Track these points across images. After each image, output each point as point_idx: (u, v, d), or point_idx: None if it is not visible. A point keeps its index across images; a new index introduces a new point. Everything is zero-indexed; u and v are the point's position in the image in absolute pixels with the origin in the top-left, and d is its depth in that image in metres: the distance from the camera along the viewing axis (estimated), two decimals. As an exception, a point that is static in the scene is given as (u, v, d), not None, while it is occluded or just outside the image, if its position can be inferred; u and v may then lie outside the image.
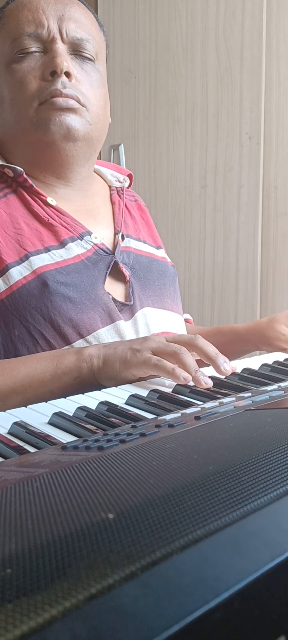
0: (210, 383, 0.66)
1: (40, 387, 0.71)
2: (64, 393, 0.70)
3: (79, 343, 0.80)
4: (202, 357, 0.72)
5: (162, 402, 0.61)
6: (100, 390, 0.68)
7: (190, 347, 0.71)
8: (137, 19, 2.10)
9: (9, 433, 0.52)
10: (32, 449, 0.47)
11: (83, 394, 0.67)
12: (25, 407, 0.60)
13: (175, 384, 0.68)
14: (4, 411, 0.60)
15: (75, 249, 0.86)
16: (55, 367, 0.72)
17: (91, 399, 0.63)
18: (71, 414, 0.56)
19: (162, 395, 0.64)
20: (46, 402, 0.63)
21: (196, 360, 0.72)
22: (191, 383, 0.68)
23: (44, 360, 0.73)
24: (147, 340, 0.72)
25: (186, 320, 1.12)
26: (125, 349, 0.71)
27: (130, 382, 0.71)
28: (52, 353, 0.75)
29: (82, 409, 0.58)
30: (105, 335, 0.81)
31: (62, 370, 0.72)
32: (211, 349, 0.71)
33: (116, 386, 0.71)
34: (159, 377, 0.73)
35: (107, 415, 0.57)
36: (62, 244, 0.85)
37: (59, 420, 0.54)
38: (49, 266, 0.81)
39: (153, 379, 0.74)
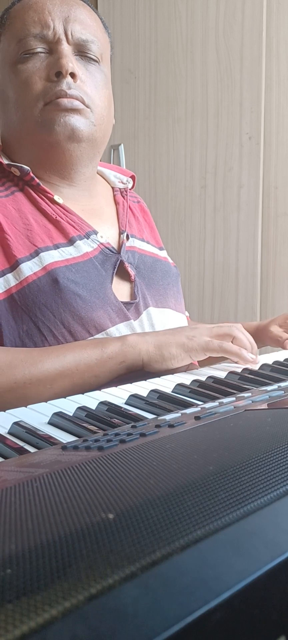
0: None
1: (87, 371, 0.72)
2: (109, 378, 0.73)
3: None
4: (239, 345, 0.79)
5: (162, 402, 0.61)
6: (125, 383, 0.70)
7: (229, 336, 0.78)
8: (137, 19, 2.09)
9: (9, 433, 0.52)
10: (32, 449, 0.47)
11: (124, 382, 0.69)
12: (26, 407, 0.60)
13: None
14: (51, 402, 0.61)
15: (84, 247, 0.86)
16: (100, 352, 0.73)
17: (91, 399, 0.63)
18: (71, 414, 0.56)
19: (162, 395, 0.64)
20: (93, 389, 0.66)
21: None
22: (187, 382, 0.68)
23: (88, 345, 0.74)
24: (197, 328, 0.77)
25: None
26: (180, 335, 0.75)
27: (180, 366, 0.75)
28: (93, 340, 0.77)
29: (82, 409, 0.58)
30: (114, 334, 0.82)
31: (107, 355, 0.73)
32: (248, 341, 0.79)
33: (161, 373, 0.74)
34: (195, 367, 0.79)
35: (107, 415, 0.57)
36: (71, 242, 0.85)
37: (59, 420, 0.54)
38: (59, 263, 0.82)
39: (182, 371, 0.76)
